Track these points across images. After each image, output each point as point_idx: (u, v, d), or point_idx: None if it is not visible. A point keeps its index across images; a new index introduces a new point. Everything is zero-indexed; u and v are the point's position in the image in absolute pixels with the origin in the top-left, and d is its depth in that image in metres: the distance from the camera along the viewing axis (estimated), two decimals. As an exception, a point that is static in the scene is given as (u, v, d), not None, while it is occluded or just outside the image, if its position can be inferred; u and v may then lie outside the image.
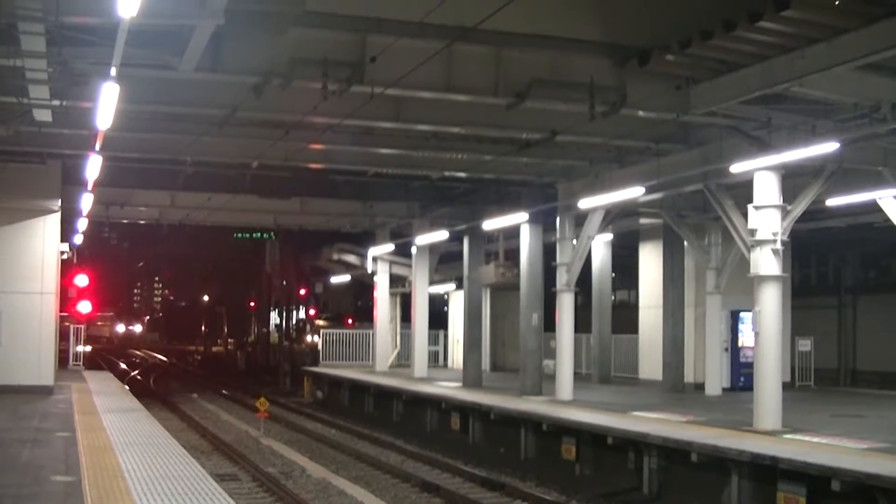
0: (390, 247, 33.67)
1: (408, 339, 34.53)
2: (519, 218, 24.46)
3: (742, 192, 18.31)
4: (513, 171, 23.35)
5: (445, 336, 39.42)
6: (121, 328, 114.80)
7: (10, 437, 15.69)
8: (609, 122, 16.55)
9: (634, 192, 19.83)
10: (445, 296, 39.23)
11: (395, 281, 36.18)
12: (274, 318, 57.14)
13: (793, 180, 17.94)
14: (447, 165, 23.31)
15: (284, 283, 53.28)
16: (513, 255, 27.99)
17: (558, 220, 23.65)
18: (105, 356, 62.88)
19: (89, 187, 23.83)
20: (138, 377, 48.11)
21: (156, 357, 76.29)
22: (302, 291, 53.57)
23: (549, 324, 24.80)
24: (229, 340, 73.70)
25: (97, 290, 51.09)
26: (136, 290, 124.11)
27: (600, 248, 29.67)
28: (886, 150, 17.94)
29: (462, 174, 24.21)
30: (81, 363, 34.88)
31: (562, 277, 23.18)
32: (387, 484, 18.58)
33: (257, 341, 61.75)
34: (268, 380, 48.15)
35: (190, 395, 39.39)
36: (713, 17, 13.23)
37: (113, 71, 12.67)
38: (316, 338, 43.30)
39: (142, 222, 35.25)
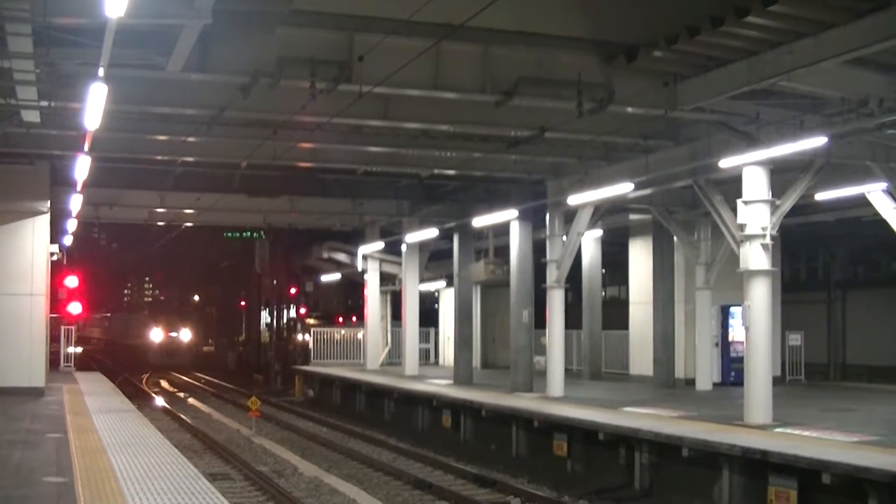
0: (380, 245, 33.67)
1: (398, 337, 34.55)
2: (508, 215, 24.49)
3: (731, 187, 18.35)
4: (502, 168, 23.38)
5: (436, 334, 39.47)
6: (157, 335, 65.55)
7: (1, 439, 15.65)
8: (597, 118, 16.56)
9: (623, 189, 19.88)
10: (436, 293, 39.26)
11: (386, 279, 36.18)
12: (264, 317, 57.10)
13: (781, 175, 17.99)
14: (436, 163, 23.34)
15: (275, 282, 53.26)
16: (503, 253, 28.04)
17: (548, 216, 23.68)
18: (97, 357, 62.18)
19: (78, 188, 23.79)
20: (129, 378, 47.94)
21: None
22: (292, 290, 53.53)
23: (540, 320, 24.84)
24: (220, 340, 73.45)
25: (88, 290, 50.92)
26: (126, 291, 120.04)
27: (590, 244, 29.70)
28: (874, 145, 18.01)
29: (451, 172, 24.24)
30: (72, 364, 34.80)
31: (552, 274, 23.21)
32: (379, 482, 18.60)
33: (248, 341, 61.69)
34: (259, 379, 48.11)
35: (181, 395, 39.34)
36: (700, 12, 13.26)
37: (101, 71, 12.66)
38: (307, 336, 43.27)
39: (131, 223, 35.21)
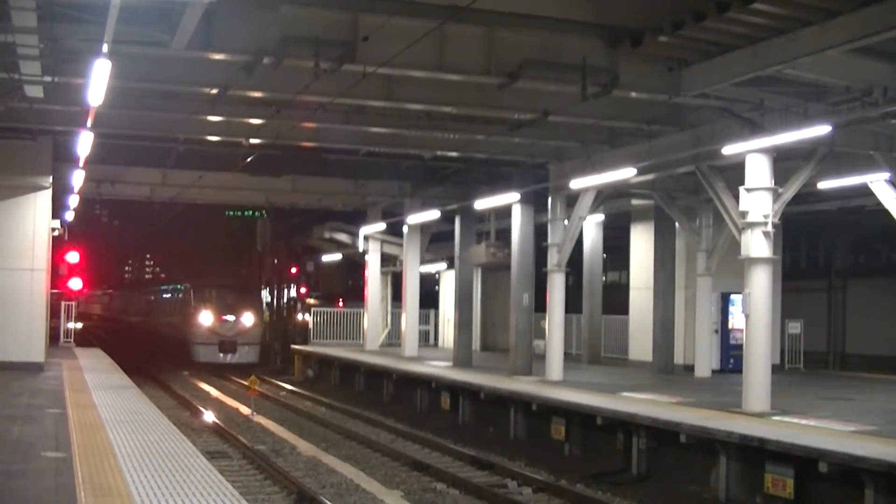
0: (382, 226, 33.68)
1: (398, 319, 34.60)
2: (510, 198, 24.48)
3: (733, 174, 18.33)
4: (504, 151, 23.36)
5: (436, 316, 39.50)
6: (206, 318, 41.02)
7: (0, 414, 15.70)
8: (601, 103, 16.54)
9: (626, 174, 19.85)
10: (436, 275, 39.25)
11: (387, 260, 36.20)
12: (265, 296, 57.10)
13: (784, 163, 17.98)
14: (439, 145, 23.32)
15: (275, 261, 53.25)
16: (504, 236, 28.01)
17: (550, 200, 23.67)
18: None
19: (81, 164, 23.78)
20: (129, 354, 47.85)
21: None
22: (293, 270, 53.51)
23: (540, 304, 24.85)
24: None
25: (89, 266, 50.79)
26: (126, 268, 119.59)
27: (591, 228, 29.70)
28: (878, 134, 17.99)
29: (454, 154, 24.23)
30: (72, 340, 34.86)
31: (553, 258, 23.21)
32: (376, 462, 18.62)
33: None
34: (259, 359, 48.05)
35: (181, 373, 39.35)
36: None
37: (105, 48, 12.63)
38: (307, 316, 43.20)
39: (133, 199, 35.21)
